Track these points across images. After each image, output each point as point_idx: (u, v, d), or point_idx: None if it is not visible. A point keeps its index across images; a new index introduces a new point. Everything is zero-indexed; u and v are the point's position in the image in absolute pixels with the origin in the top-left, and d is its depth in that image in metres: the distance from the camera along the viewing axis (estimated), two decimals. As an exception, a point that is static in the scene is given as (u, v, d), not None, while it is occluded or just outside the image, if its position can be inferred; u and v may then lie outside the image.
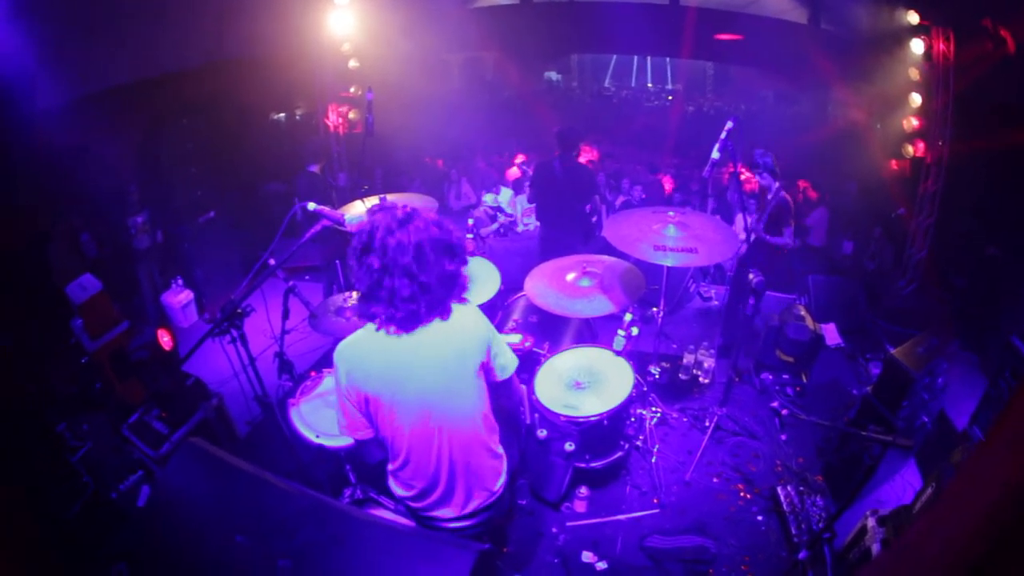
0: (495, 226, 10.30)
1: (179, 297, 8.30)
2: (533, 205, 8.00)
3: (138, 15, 7.64)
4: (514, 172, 12.17)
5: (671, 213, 5.03)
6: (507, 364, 3.00)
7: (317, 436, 4.19)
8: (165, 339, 5.22)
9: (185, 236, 9.08)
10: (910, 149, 9.08)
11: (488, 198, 11.07)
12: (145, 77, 8.23)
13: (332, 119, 10.50)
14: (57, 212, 7.48)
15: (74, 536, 4.49)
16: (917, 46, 8.65)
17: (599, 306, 4.89)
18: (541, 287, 5.11)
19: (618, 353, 5.03)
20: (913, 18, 8.64)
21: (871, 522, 3.68)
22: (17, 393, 4.44)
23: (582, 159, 7.41)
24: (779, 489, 4.92)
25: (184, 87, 9.04)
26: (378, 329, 2.66)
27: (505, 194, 10.93)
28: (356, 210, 4.57)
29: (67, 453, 4.94)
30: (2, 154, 6.55)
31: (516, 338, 5.10)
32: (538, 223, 8.19)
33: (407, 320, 2.63)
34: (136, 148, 8.74)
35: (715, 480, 5.23)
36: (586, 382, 4.84)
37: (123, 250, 8.13)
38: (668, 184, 11.48)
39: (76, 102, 7.08)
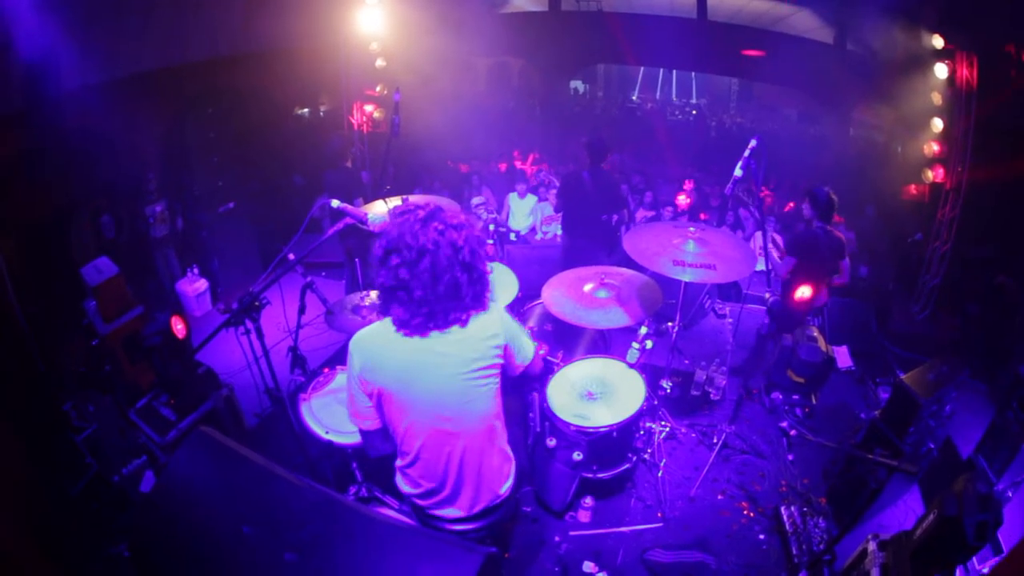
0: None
1: (194, 285, 8.35)
2: (555, 213, 8.00)
3: (166, 4, 7.71)
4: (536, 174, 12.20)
5: (691, 229, 5.04)
6: (526, 355, 3.03)
7: (327, 432, 4.20)
8: (179, 326, 5.21)
9: (204, 224, 9.13)
10: (929, 174, 9.05)
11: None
12: (172, 64, 8.30)
13: (356, 117, 10.54)
14: (81, 192, 7.54)
15: (77, 514, 4.53)
16: (941, 71, 8.62)
17: (615, 318, 4.89)
18: (558, 296, 5.12)
19: (631, 366, 5.05)
20: (938, 42, 8.60)
21: (872, 546, 3.66)
22: (27, 367, 4.47)
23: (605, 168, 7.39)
24: (782, 509, 4.90)
25: (210, 77, 9.11)
26: (397, 330, 2.68)
27: (529, 200, 10.89)
28: (379, 209, 4.59)
29: (72, 432, 4.98)
30: (31, 132, 6.62)
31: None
32: (559, 232, 8.17)
33: (421, 326, 2.64)
34: (160, 135, 8.81)
35: (719, 497, 5.22)
36: (598, 393, 4.85)
37: (140, 236, 8.19)
38: (686, 199, 11.46)
39: (104, 85, 7.15)
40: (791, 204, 11.68)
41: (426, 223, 2.60)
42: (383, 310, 2.72)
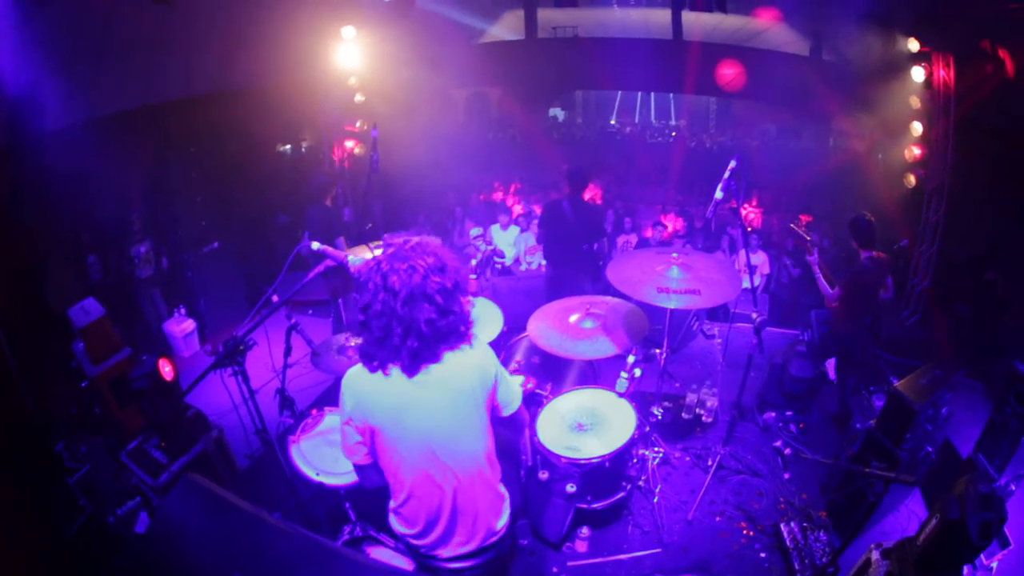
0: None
1: (182, 326, 8.30)
2: (537, 244, 7.99)
3: (146, 41, 7.75)
4: (517, 208, 12.24)
5: (674, 255, 5.07)
6: (512, 400, 3.03)
7: (317, 474, 4.18)
8: (166, 369, 5.20)
9: (189, 265, 9.10)
10: (912, 178, 9.12)
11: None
12: (152, 103, 8.31)
13: (337, 153, 10.55)
14: (65, 232, 7.52)
15: (72, 556, 4.47)
16: (917, 74, 8.70)
17: (602, 348, 4.89)
18: (544, 328, 5.11)
19: (620, 395, 5.03)
20: (913, 45, 8.69)
21: (875, 555, 3.64)
22: (18, 409, 4.44)
23: (586, 196, 7.40)
24: (782, 526, 4.88)
25: (191, 115, 9.10)
26: (372, 372, 2.68)
27: (512, 231, 10.94)
28: (361, 253, 4.61)
29: (64, 474, 4.93)
30: (14, 171, 6.61)
31: (519, 380, 5.09)
32: (543, 262, 8.16)
33: (381, 365, 2.66)
34: (143, 174, 8.79)
35: (718, 518, 5.18)
36: (588, 424, 4.83)
37: (126, 277, 8.17)
38: (672, 222, 11.48)
39: (84, 125, 7.15)
40: (776, 219, 11.75)
41: (392, 259, 2.62)
42: (363, 353, 2.72)
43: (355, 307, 2.69)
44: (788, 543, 4.72)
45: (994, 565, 4.07)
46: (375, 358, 2.66)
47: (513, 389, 3.03)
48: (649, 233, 10.91)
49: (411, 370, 2.65)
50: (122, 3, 7.09)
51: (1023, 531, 4.22)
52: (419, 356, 2.64)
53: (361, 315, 2.63)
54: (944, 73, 8.54)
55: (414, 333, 2.59)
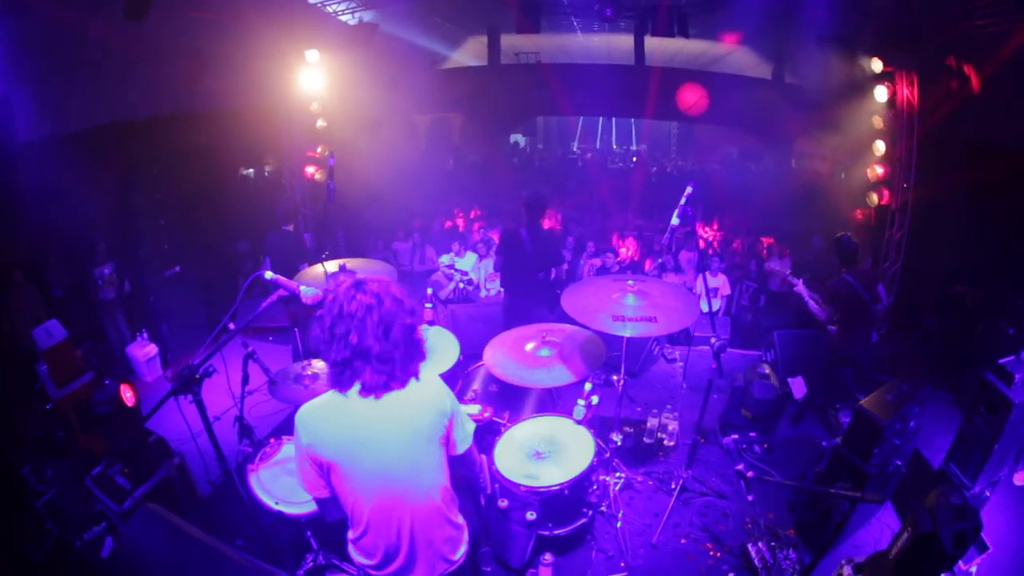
0: (452, 285, 10.31)
1: (144, 350, 8.18)
2: (498, 272, 7.96)
3: (116, 58, 7.77)
4: (476, 228, 12.28)
5: (630, 282, 5.09)
6: (466, 437, 3.03)
7: (276, 503, 4.14)
8: (128, 395, 5.17)
9: (150, 289, 9.02)
10: (875, 197, 9.22)
11: (445, 258, 11.09)
12: (120, 120, 8.30)
13: (299, 178, 10.51)
14: (27, 249, 7.44)
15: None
16: (881, 93, 8.81)
17: (559, 376, 4.91)
18: (500, 357, 5.12)
19: (578, 422, 5.03)
20: (877, 65, 8.80)
21: (847, 570, 3.64)
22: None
23: (545, 224, 7.37)
24: (749, 546, 4.88)
25: (157, 135, 9.10)
26: (361, 394, 2.69)
27: (469, 258, 10.95)
28: (315, 274, 4.59)
29: (31, 497, 4.86)
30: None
31: (475, 408, 5.10)
32: (502, 290, 8.13)
33: (384, 384, 2.68)
34: (108, 193, 8.74)
35: (683, 541, 5.16)
36: (546, 452, 4.82)
37: (90, 299, 8.09)
38: (631, 248, 11.50)
39: (54, 139, 7.14)
40: (738, 242, 11.82)
41: (360, 286, 2.67)
42: (337, 381, 2.72)
43: (327, 345, 2.70)
44: (756, 563, 4.73)
45: (973, 570, 4.11)
46: (374, 382, 2.68)
47: (466, 428, 3.04)
48: (611, 260, 10.89)
49: (378, 389, 2.68)
50: (94, 18, 7.07)
51: (1001, 535, 4.27)
52: (404, 371, 2.72)
53: (350, 345, 2.63)
54: (908, 92, 8.67)
55: (396, 345, 2.66)
